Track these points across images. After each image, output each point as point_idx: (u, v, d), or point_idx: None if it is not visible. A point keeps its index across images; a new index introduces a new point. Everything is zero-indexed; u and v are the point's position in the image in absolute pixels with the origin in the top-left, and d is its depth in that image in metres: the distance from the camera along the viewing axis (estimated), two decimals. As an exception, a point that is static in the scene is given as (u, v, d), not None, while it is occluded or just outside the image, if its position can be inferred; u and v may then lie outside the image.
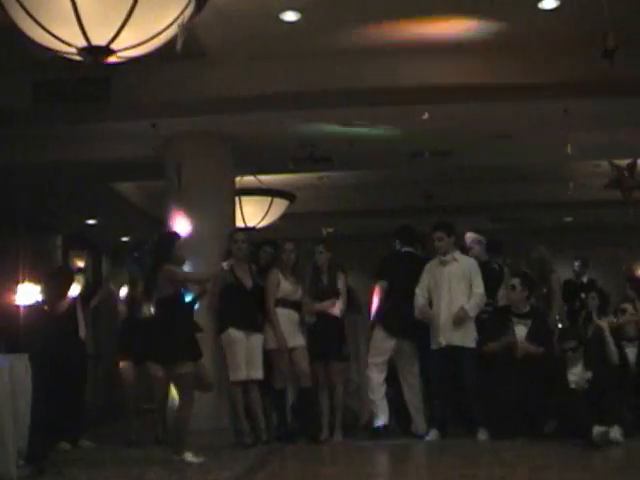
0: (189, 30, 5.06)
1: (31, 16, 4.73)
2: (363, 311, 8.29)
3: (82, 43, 4.86)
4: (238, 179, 9.70)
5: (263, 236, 9.54)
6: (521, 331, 7.53)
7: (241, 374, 7.36)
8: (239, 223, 9.98)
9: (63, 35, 4.84)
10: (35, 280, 7.98)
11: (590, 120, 8.60)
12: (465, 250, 7.97)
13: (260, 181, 10.58)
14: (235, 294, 7.45)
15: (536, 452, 6.48)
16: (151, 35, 4.95)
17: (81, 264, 8.19)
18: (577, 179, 11.03)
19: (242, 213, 10.41)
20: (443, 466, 6.32)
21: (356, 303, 8.32)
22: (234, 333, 7.37)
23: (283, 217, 11.47)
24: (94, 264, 12.54)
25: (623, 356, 7.54)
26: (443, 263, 7.62)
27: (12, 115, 7.99)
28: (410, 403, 7.74)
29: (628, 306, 7.83)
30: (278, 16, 7.27)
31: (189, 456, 6.39)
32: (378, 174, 11.55)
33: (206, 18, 6.04)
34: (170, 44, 5.06)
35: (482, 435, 7.28)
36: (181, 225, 8.46)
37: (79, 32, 4.75)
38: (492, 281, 7.85)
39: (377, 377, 7.71)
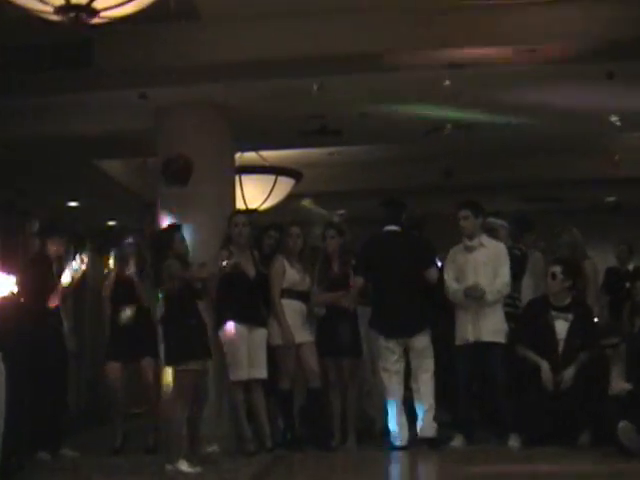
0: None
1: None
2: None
3: (60, 1, 4.85)
4: (238, 155, 9.69)
5: (267, 219, 9.55)
6: (561, 327, 7.45)
7: (243, 373, 7.41)
8: (239, 205, 9.98)
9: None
10: (9, 270, 8.00)
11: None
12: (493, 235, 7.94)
13: (263, 158, 10.57)
14: (236, 284, 7.48)
15: (573, 462, 6.52)
16: (138, -9, 4.96)
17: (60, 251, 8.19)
18: (622, 153, 10.98)
19: (242, 194, 10.41)
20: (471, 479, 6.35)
21: (370, 293, 8.32)
22: (235, 328, 7.40)
23: (288, 198, 11.46)
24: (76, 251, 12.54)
25: None
26: (469, 249, 7.61)
27: (-20, 85, 8.00)
28: (418, 401, 7.63)
29: None
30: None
31: (184, 465, 6.43)
32: (394, 149, 11.53)
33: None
34: (160, 3, 5.05)
35: (514, 442, 7.30)
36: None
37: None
38: (512, 270, 7.72)
39: (388, 383, 7.62)
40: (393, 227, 7.81)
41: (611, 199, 14.36)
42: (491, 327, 7.46)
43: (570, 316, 7.49)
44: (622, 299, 9.04)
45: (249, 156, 10.28)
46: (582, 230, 8.75)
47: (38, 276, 7.79)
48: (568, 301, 7.58)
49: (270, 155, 10.68)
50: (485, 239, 7.68)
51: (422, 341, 7.56)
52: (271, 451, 7.38)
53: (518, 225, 8.55)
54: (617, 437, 6.54)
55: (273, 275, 7.66)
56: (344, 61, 7.75)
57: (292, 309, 7.64)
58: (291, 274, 7.68)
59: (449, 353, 7.62)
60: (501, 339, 7.48)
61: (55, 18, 5.06)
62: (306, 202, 8.15)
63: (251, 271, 7.61)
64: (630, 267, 9.96)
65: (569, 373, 7.24)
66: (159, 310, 7.47)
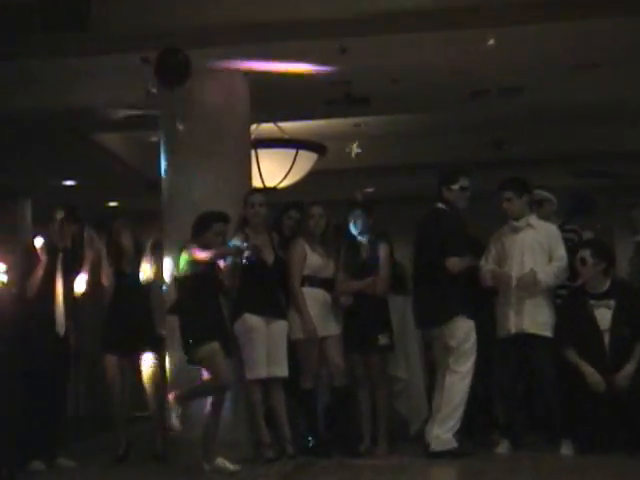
0: None
1: None
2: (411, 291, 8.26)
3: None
4: (254, 127, 9.69)
5: (286, 199, 9.55)
6: (603, 316, 7.38)
7: (261, 371, 7.43)
8: (256, 183, 9.98)
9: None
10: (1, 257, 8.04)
11: None
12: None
13: (282, 130, 10.57)
14: (253, 271, 7.49)
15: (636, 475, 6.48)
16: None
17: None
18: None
19: (259, 170, 10.42)
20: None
21: (403, 280, 8.33)
22: (252, 320, 7.44)
23: (311, 174, 11.45)
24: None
25: None
26: (515, 230, 7.61)
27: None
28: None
29: None
30: None
31: (223, 462, 6.53)
32: (429, 119, 11.49)
33: None
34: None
35: (566, 449, 7.28)
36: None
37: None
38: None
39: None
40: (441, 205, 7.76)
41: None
42: (538, 318, 7.43)
43: (612, 302, 7.41)
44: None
45: (267, 128, 10.28)
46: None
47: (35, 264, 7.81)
48: (607, 286, 7.50)
49: (290, 127, 10.68)
50: (534, 219, 7.67)
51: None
52: (293, 458, 7.41)
53: (579, 203, 8.47)
54: None
55: (293, 261, 7.66)
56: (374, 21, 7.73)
57: (314, 298, 7.65)
58: (313, 259, 7.69)
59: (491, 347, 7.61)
60: (547, 332, 7.44)
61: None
62: (353, 146, 8.02)
63: (269, 256, 7.62)
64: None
65: (627, 370, 7.18)
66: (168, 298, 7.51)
